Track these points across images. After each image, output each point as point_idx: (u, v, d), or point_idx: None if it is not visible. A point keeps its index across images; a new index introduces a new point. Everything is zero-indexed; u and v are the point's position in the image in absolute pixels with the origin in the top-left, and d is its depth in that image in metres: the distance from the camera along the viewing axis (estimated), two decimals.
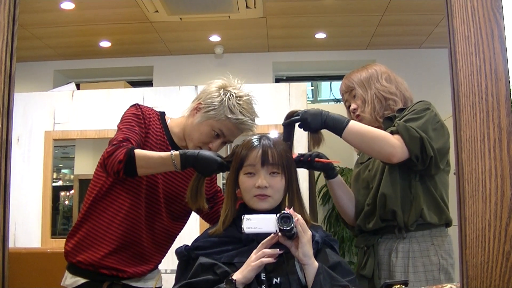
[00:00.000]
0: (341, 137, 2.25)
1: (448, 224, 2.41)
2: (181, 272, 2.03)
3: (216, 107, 2.40)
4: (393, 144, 2.19)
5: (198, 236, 2.13)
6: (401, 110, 2.45)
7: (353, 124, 2.24)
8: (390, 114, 2.46)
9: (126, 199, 2.40)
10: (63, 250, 2.47)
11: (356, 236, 2.57)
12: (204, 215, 2.66)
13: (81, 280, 2.39)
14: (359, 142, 2.27)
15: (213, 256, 1.98)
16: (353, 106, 2.57)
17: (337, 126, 2.23)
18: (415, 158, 2.20)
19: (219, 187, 2.74)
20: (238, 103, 2.41)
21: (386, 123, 2.44)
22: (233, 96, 2.41)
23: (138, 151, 2.23)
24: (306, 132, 2.36)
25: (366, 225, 2.45)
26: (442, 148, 2.29)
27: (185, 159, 2.20)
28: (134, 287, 2.46)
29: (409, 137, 2.18)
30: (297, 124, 2.31)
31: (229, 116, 2.39)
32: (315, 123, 2.25)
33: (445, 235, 2.39)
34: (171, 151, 2.23)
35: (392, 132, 2.23)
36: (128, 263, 2.41)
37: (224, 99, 2.40)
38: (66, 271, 2.45)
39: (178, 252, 2.06)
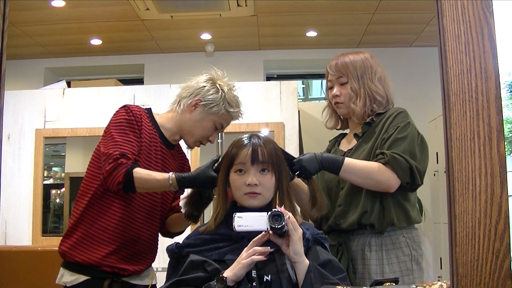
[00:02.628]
0: (338, 175, 2.36)
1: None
2: (172, 269, 2.04)
3: (218, 103, 2.49)
4: (388, 177, 2.31)
5: (189, 234, 2.14)
6: (379, 114, 2.51)
7: (348, 162, 2.33)
8: (368, 118, 2.52)
9: (124, 199, 2.42)
10: (55, 248, 2.47)
11: (327, 234, 2.59)
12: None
13: (82, 278, 2.40)
14: (356, 178, 2.37)
15: (204, 253, 1.99)
16: (336, 91, 2.58)
17: (334, 166, 2.32)
18: (406, 184, 2.33)
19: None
20: (233, 95, 2.53)
21: (365, 127, 2.52)
22: (227, 89, 2.52)
23: (136, 172, 2.29)
24: None
25: (338, 225, 2.49)
26: (425, 165, 2.41)
27: (182, 183, 2.28)
28: (132, 284, 2.50)
29: (400, 169, 2.29)
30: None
31: (229, 109, 2.51)
32: (312, 167, 2.30)
33: (413, 228, 2.47)
34: (169, 174, 2.28)
35: (383, 163, 2.32)
36: (127, 262, 2.44)
37: (223, 93, 2.50)
38: (63, 269, 2.45)
39: (169, 249, 2.06)
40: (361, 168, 2.34)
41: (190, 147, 2.62)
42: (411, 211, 2.43)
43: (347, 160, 2.34)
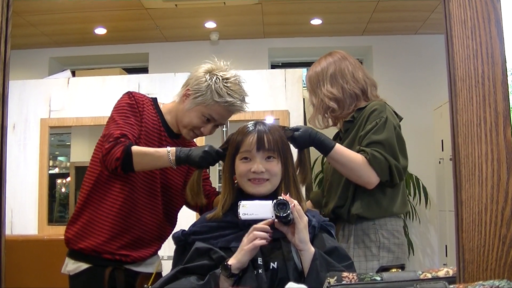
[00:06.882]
0: (325, 157, 2.43)
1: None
2: (178, 257, 2.04)
3: (203, 92, 2.43)
4: (368, 174, 2.40)
5: (196, 221, 2.14)
6: (359, 110, 2.58)
7: (338, 148, 2.39)
8: (349, 116, 2.61)
9: (125, 184, 2.43)
10: (61, 237, 2.49)
11: None
12: (198, 209, 2.68)
13: (84, 266, 2.41)
14: (340, 166, 2.44)
15: (210, 241, 1.99)
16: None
17: (324, 147, 2.37)
18: (385, 182, 2.42)
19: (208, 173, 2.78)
20: (225, 86, 2.43)
21: (346, 125, 2.62)
22: (219, 79, 2.43)
23: (135, 149, 2.28)
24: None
25: (322, 211, 2.64)
26: (405, 161, 2.50)
27: (179, 158, 2.26)
28: (136, 271, 2.49)
29: (379, 168, 2.38)
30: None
31: (217, 100, 2.42)
32: (302, 141, 2.32)
33: (388, 216, 2.52)
34: (167, 148, 2.28)
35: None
36: (129, 248, 2.44)
37: (211, 83, 2.42)
38: (67, 258, 2.47)
39: (175, 237, 2.07)
40: (348, 157, 2.40)
41: (185, 137, 2.60)
42: (385, 204, 2.50)
43: (338, 146, 2.38)
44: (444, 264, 6.03)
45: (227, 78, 2.45)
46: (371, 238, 2.47)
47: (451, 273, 1.33)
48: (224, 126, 4.73)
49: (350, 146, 2.48)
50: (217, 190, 2.70)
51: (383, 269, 1.65)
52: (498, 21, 1.16)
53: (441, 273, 1.32)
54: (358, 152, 2.41)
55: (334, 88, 2.60)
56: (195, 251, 1.96)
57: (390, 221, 2.51)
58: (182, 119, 2.51)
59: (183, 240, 2.04)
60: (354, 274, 1.26)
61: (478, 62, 1.15)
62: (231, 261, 1.83)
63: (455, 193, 1.14)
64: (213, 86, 2.41)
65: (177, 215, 2.68)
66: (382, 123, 2.45)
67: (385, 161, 2.37)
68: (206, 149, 2.23)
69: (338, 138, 2.68)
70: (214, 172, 5.22)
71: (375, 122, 2.45)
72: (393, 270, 1.60)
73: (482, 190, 1.11)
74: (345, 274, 1.25)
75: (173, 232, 2.15)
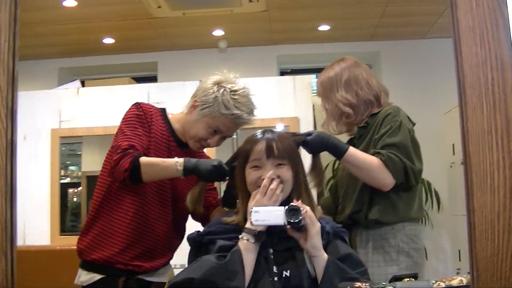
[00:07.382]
0: (339, 160, 2.44)
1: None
2: (193, 257, 2.02)
3: (210, 104, 2.43)
4: (384, 176, 2.38)
5: (210, 223, 2.16)
6: (372, 115, 2.59)
7: (352, 151, 2.39)
8: (363, 122, 2.62)
9: (136, 195, 2.44)
10: (73, 247, 2.51)
11: None
12: (196, 217, 2.67)
13: (97, 276, 2.42)
14: (355, 169, 2.45)
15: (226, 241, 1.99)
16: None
17: (338, 151, 2.38)
18: (400, 184, 2.41)
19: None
20: (233, 98, 2.43)
21: (360, 130, 2.63)
22: (227, 91, 2.43)
23: (143, 160, 2.29)
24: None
25: (336, 218, 2.63)
26: (420, 165, 2.48)
27: (187, 168, 2.26)
28: (148, 281, 2.50)
29: (395, 169, 2.37)
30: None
31: (224, 112, 2.41)
32: (316, 146, 2.33)
33: (407, 221, 2.52)
34: (176, 159, 2.29)
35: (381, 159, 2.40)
36: (142, 258, 2.45)
37: (218, 95, 2.42)
38: (80, 269, 2.49)
39: (190, 238, 2.07)
40: (363, 160, 2.40)
41: (192, 148, 2.59)
42: (402, 209, 2.49)
43: (352, 149, 2.39)
44: (458, 269, 6.00)
45: (235, 91, 2.44)
46: (390, 243, 2.47)
47: (464, 282, 1.33)
48: (234, 133, 4.73)
49: (365, 151, 2.47)
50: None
51: (396, 278, 1.64)
52: (506, 27, 1.16)
53: (455, 282, 1.31)
54: (373, 155, 2.41)
55: (348, 94, 2.61)
56: (219, 248, 1.95)
57: (408, 225, 2.51)
58: (189, 130, 2.51)
59: (198, 241, 2.04)
60: (367, 284, 1.25)
61: (487, 69, 1.14)
62: (252, 225, 1.89)
63: (467, 201, 1.13)
64: (220, 98, 2.41)
65: (185, 225, 2.68)
66: (396, 126, 2.45)
67: (400, 162, 2.36)
68: (215, 163, 2.23)
69: (352, 144, 2.66)
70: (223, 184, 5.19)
71: (390, 126, 2.45)
72: (406, 279, 1.59)
73: (494, 198, 1.10)
74: (357, 284, 1.25)
75: (187, 235, 2.15)
